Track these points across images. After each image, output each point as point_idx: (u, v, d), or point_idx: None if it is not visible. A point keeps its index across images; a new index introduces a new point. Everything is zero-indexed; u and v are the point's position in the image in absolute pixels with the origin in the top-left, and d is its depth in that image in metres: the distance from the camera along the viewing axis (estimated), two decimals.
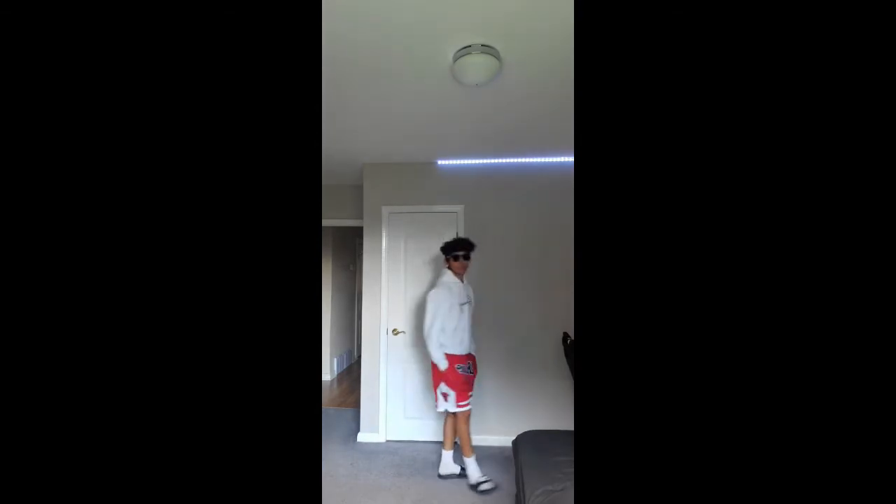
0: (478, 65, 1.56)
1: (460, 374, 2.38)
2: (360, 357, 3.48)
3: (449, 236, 2.77)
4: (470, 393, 2.42)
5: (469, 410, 2.41)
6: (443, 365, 2.34)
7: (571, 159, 2.88)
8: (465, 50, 1.53)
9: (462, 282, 2.44)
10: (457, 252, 2.39)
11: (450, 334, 2.38)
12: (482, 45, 1.51)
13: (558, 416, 2.89)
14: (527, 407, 2.94)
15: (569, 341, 2.86)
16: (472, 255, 2.46)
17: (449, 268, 2.44)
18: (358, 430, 3.10)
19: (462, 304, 2.40)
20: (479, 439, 2.87)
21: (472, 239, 2.50)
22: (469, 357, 2.45)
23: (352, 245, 5.34)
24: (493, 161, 2.94)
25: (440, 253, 2.50)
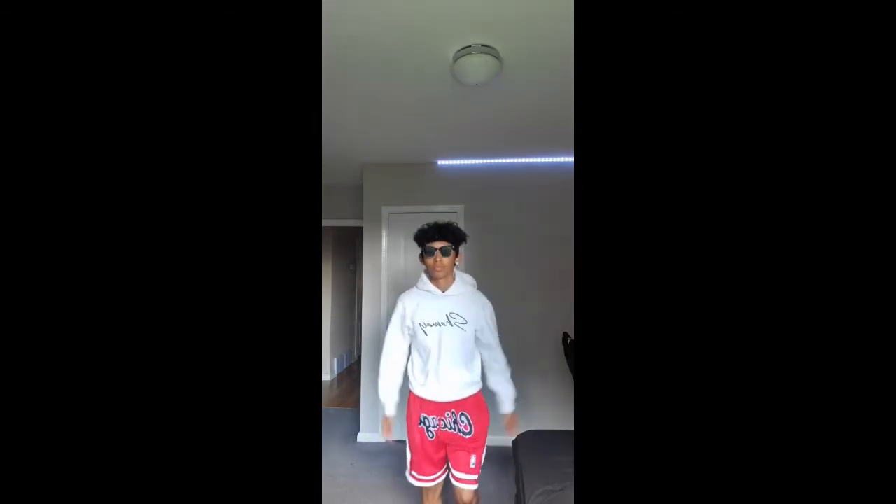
0: (478, 65, 1.56)
1: (420, 430, 1.52)
2: (360, 357, 3.48)
3: None
4: (439, 472, 1.54)
5: (429, 490, 1.55)
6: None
7: (572, 159, 2.88)
8: (466, 50, 1.53)
9: (442, 290, 1.51)
10: (425, 244, 1.50)
11: (415, 365, 1.56)
12: (482, 46, 1.51)
13: (558, 416, 2.89)
14: (527, 407, 2.94)
15: (569, 341, 2.86)
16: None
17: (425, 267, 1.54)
18: (358, 429, 3.10)
19: (429, 325, 1.48)
20: None
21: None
22: (450, 407, 1.49)
23: (352, 245, 5.34)
24: (493, 161, 2.94)
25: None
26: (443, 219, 1.54)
